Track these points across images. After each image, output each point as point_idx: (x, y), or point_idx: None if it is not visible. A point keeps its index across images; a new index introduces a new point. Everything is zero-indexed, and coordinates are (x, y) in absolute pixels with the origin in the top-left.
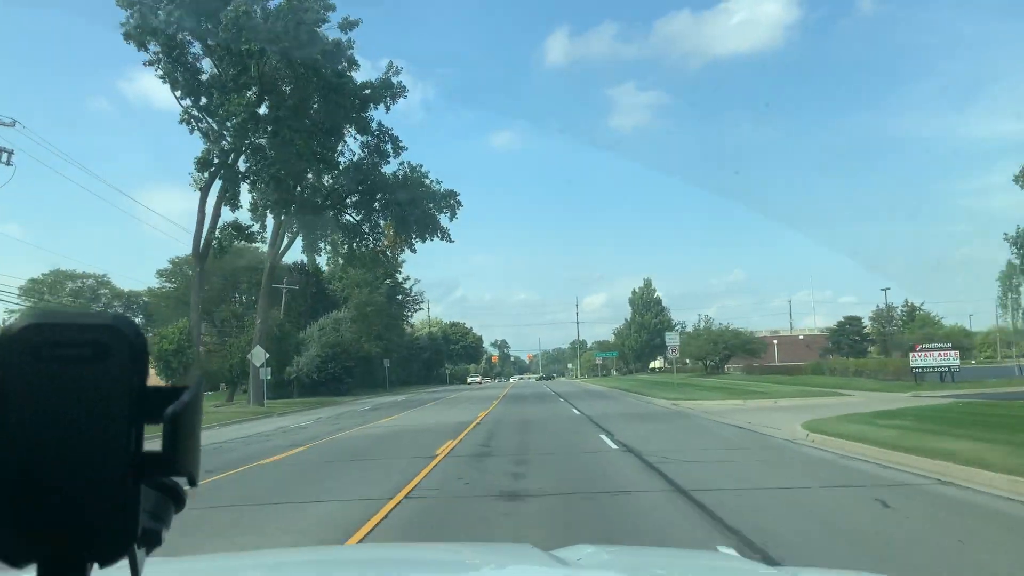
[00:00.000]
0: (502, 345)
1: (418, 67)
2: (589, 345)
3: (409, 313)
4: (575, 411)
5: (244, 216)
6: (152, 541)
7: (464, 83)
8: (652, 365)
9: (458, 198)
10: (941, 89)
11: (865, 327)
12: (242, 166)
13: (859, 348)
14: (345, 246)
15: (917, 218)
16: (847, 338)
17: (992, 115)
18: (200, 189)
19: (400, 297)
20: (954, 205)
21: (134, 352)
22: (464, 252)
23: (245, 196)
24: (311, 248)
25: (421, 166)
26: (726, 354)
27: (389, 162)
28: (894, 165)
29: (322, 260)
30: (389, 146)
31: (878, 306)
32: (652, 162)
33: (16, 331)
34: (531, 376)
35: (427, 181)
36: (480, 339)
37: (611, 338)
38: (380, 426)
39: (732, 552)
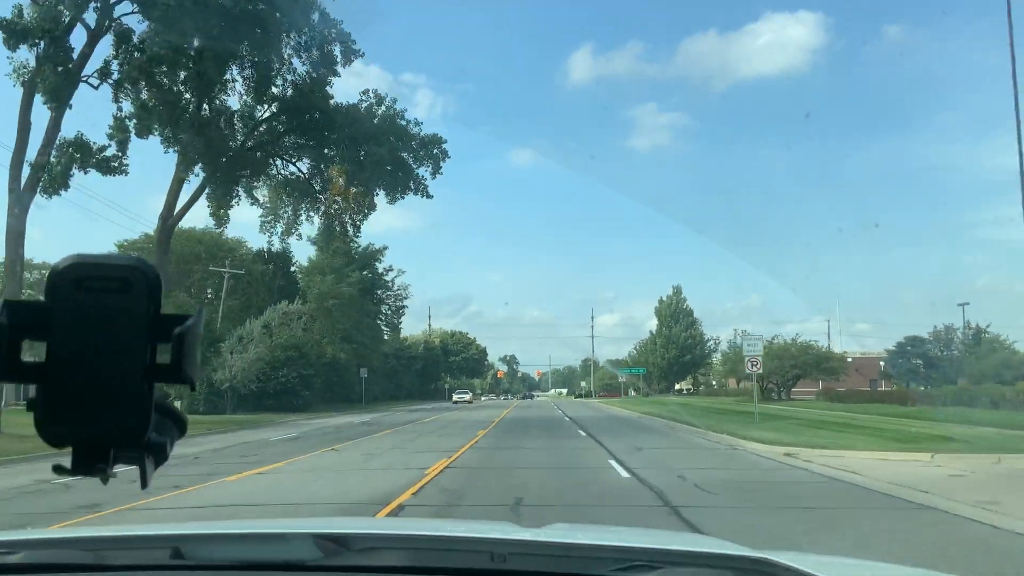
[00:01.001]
0: (511, 361)
1: (438, 82)
2: (601, 364)
3: (391, 310)
4: (618, 468)
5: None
6: (159, 453)
7: (484, 100)
8: (679, 386)
9: (444, 147)
10: (963, 118)
11: (928, 349)
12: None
13: (919, 373)
14: (288, 209)
15: (940, 245)
16: (908, 361)
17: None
18: (23, 82)
19: (381, 293)
20: (973, 235)
21: (151, 286)
22: (479, 268)
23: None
24: (218, 201)
25: (396, 102)
26: (796, 374)
27: (338, 74)
28: (917, 193)
29: (301, 244)
30: (337, 49)
31: (936, 327)
32: (670, 184)
33: (63, 267)
34: (539, 394)
35: (403, 122)
36: (484, 351)
37: (624, 357)
38: (158, 507)
39: None
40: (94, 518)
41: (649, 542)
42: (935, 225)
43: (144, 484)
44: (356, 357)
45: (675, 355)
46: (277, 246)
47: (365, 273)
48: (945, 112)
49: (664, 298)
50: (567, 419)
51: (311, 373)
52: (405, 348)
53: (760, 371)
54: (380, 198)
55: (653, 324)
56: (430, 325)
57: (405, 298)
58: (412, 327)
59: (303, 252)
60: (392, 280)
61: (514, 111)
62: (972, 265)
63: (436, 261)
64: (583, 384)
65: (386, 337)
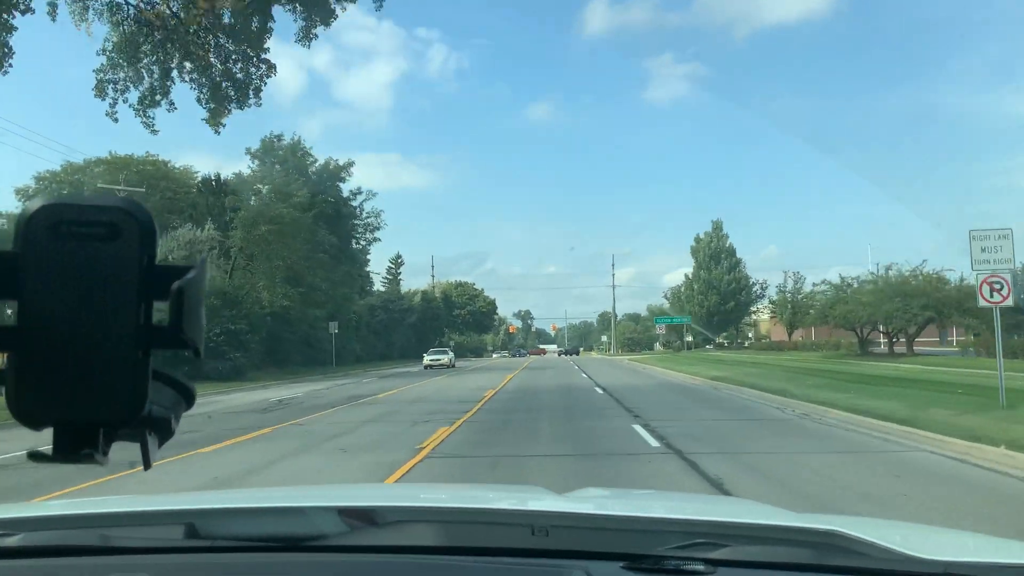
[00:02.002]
0: (525, 316)
1: (453, 37)
2: (619, 318)
3: (360, 245)
4: None
5: None
6: (163, 429)
7: (499, 54)
8: (720, 338)
9: None
10: (985, 64)
11: None
12: None
13: None
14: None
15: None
16: None
17: None
18: None
19: (351, 225)
20: (990, 183)
21: (144, 232)
22: (495, 223)
23: None
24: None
25: None
26: (927, 318)
27: None
28: (936, 140)
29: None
30: None
31: None
32: (688, 136)
33: (33, 211)
34: (554, 348)
35: None
36: (493, 304)
37: (644, 312)
38: None
39: None
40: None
41: (705, 513)
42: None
43: (147, 464)
44: (309, 305)
45: (716, 302)
46: (135, 119)
47: (325, 198)
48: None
49: (701, 235)
50: (599, 391)
51: (243, 328)
52: (396, 299)
53: (1010, 302)
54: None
55: (672, 278)
56: (433, 276)
57: (377, 228)
58: (419, 283)
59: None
60: (359, 205)
61: (529, 64)
62: None
63: (451, 218)
64: (603, 339)
65: (379, 288)
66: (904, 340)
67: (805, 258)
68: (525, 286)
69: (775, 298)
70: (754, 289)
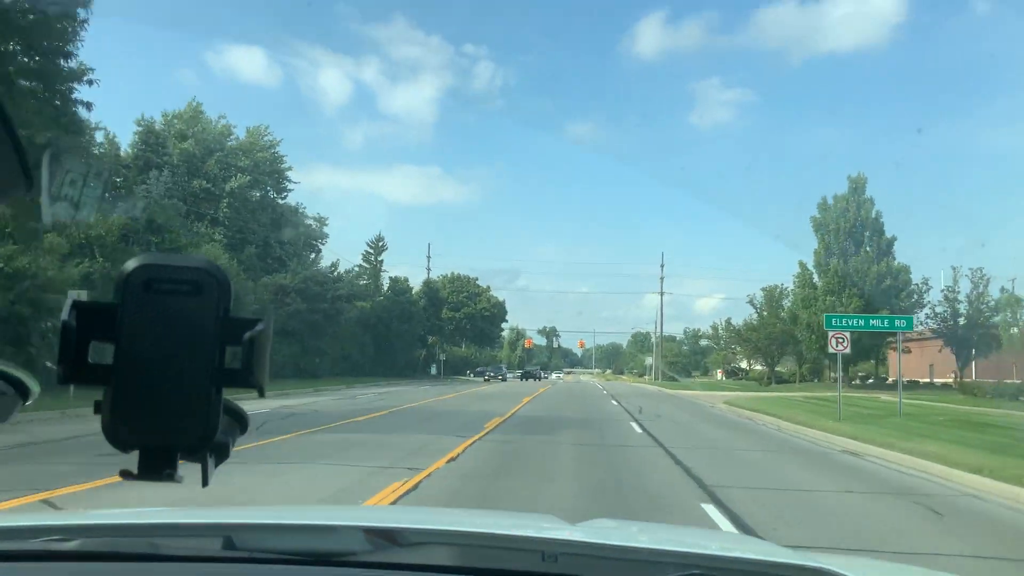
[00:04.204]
0: (551, 333)
1: (500, 53)
2: (652, 341)
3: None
4: None
5: None
6: (222, 452)
7: (545, 71)
8: (860, 369)
9: None
10: None
11: None
12: None
13: None
14: None
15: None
16: None
17: None
18: None
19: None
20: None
21: (221, 289)
22: (528, 240)
23: None
24: None
25: None
26: None
27: None
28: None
29: None
30: None
31: None
32: (731, 162)
33: (132, 269)
34: (579, 372)
35: None
36: (501, 306)
37: (680, 335)
38: None
39: None
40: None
41: (703, 547)
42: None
43: (205, 482)
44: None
45: (857, 308)
46: None
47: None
48: None
49: (831, 199)
50: None
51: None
52: (328, 281)
53: None
54: None
55: (706, 304)
56: (429, 270)
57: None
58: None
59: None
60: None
61: (574, 85)
62: None
63: (486, 233)
64: (647, 362)
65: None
66: None
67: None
68: (554, 303)
69: (939, 307)
70: (912, 290)
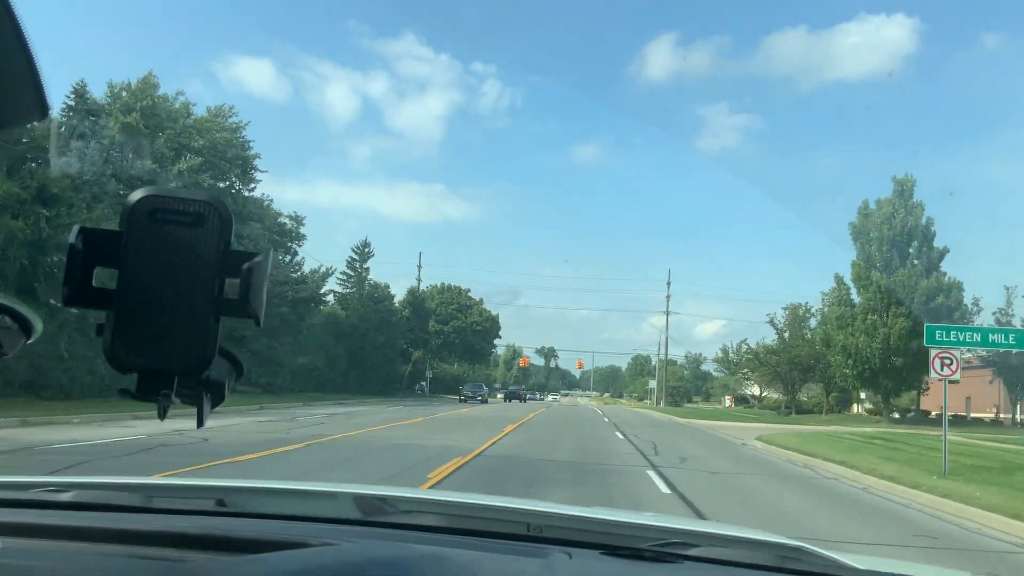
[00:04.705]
0: (549, 353)
1: (508, 73)
2: (653, 363)
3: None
4: None
5: None
6: (218, 392)
7: (554, 93)
8: (898, 402)
9: None
10: None
11: None
12: None
13: None
14: None
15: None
16: None
17: None
18: None
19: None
20: None
21: (223, 222)
22: (530, 260)
23: None
24: None
25: None
26: None
27: None
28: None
29: None
30: None
31: None
32: (736, 186)
33: (137, 200)
34: (577, 395)
35: None
36: (495, 321)
37: (681, 360)
38: None
39: None
40: None
41: (689, 526)
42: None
43: (200, 422)
44: None
45: (904, 327)
46: None
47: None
48: None
49: (872, 205)
50: None
51: None
52: (287, 282)
53: None
54: None
55: (706, 329)
56: (419, 281)
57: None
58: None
59: None
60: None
61: (581, 106)
62: None
63: (489, 252)
64: (651, 385)
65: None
66: None
67: None
68: (554, 324)
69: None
70: (966, 309)
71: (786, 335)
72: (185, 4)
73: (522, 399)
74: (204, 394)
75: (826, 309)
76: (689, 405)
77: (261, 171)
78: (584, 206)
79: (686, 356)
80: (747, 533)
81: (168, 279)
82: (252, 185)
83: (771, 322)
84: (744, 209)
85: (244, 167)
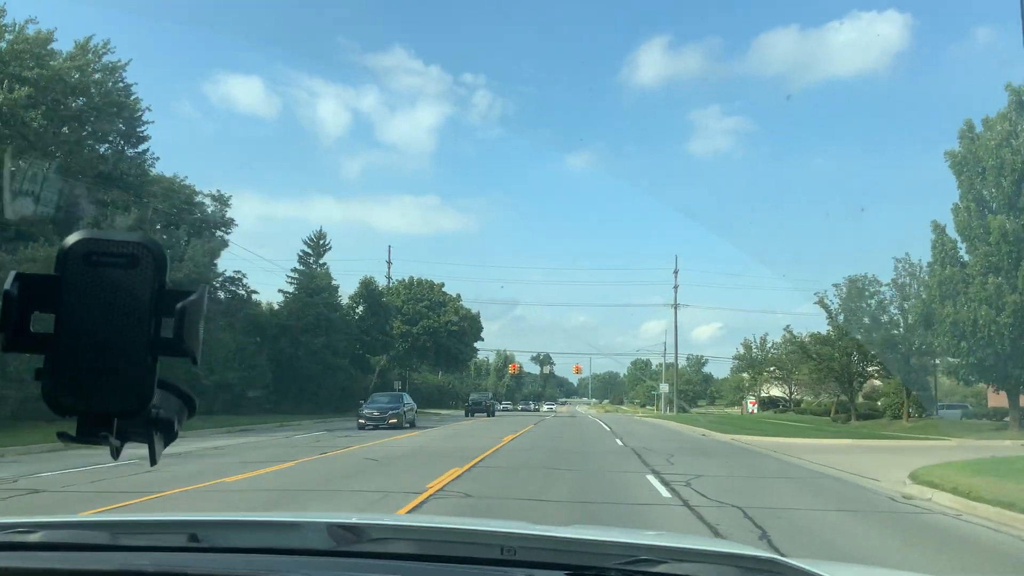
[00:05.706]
0: (544, 360)
1: (499, 83)
2: (654, 368)
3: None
4: None
5: None
6: (167, 430)
7: (545, 101)
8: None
9: None
10: None
11: None
12: None
13: None
14: None
15: None
16: None
17: None
18: None
19: None
20: None
21: (157, 263)
22: (526, 270)
23: None
24: None
25: None
26: None
27: None
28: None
29: None
30: None
31: None
32: (729, 191)
33: (71, 244)
34: (574, 403)
35: None
36: (476, 320)
37: (683, 363)
38: None
39: None
40: None
41: (658, 541)
42: None
43: (153, 460)
44: None
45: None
46: None
47: None
48: None
49: (978, 124)
50: None
51: None
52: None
53: None
54: None
55: (702, 332)
56: (389, 279)
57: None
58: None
59: None
60: None
61: (573, 113)
62: None
63: (484, 262)
64: (665, 386)
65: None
66: None
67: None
68: (550, 331)
69: None
70: None
71: (841, 319)
72: (173, 28)
73: (489, 411)
74: (154, 432)
75: (922, 273)
76: (695, 410)
77: (147, 122)
78: (578, 211)
79: (688, 358)
80: (717, 547)
81: (104, 321)
82: (141, 144)
83: (821, 302)
84: (743, 210)
85: (127, 117)
